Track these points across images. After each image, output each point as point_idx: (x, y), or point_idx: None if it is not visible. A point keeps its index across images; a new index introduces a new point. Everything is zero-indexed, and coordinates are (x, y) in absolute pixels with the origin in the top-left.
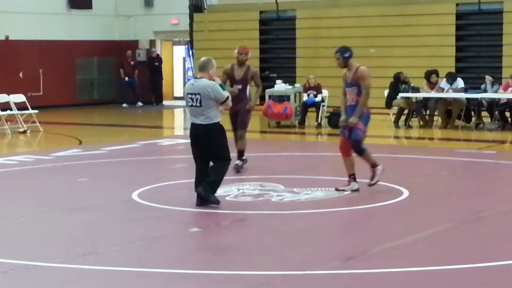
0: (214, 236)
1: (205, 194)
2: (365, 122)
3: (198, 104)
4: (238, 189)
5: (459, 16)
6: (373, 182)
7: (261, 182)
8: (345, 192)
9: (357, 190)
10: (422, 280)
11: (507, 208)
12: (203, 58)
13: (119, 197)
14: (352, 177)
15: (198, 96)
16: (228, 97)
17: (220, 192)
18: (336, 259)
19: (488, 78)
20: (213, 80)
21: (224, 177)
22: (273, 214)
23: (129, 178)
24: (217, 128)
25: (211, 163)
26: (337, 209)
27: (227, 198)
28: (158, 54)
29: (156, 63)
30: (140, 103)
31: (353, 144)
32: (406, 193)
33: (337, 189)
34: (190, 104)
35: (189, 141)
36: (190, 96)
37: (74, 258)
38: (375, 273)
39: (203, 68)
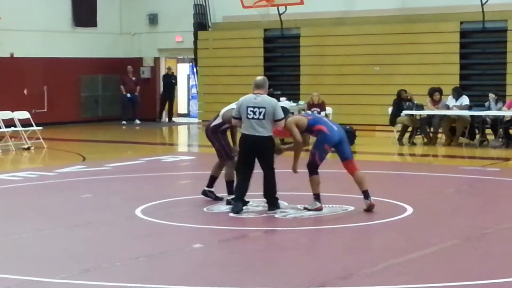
0: (217, 253)
1: (271, 207)
2: (315, 145)
3: (261, 117)
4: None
5: (463, 34)
6: (307, 206)
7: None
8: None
9: (370, 206)
10: None
11: (511, 226)
12: (260, 77)
13: (122, 213)
14: (364, 194)
15: (263, 110)
16: (283, 117)
17: (223, 208)
18: (340, 275)
19: (492, 96)
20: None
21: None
22: (276, 230)
23: (133, 194)
24: (271, 140)
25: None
26: (341, 226)
27: (231, 214)
28: (173, 72)
29: (173, 81)
30: (138, 121)
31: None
32: (410, 210)
33: (365, 211)
34: (251, 116)
35: (192, 157)
36: (252, 109)
37: (78, 274)
38: None
39: (261, 85)
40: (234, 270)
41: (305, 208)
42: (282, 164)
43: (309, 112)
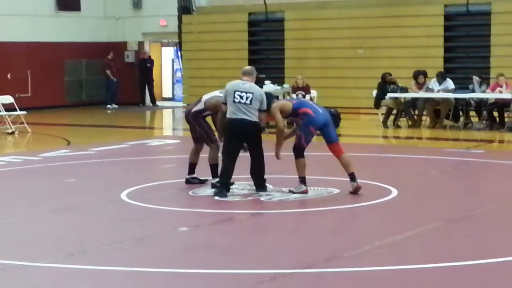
0: (203, 236)
1: (259, 189)
2: (302, 129)
3: (248, 102)
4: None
5: (447, 17)
6: (292, 189)
7: (250, 182)
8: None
9: (356, 188)
10: (411, 278)
11: (495, 207)
12: (248, 66)
13: (107, 197)
14: (350, 176)
15: (250, 95)
16: (267, 110)
17: (209, 191)
18: (325, 257)
19: (476, 79)
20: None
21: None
22: (262, 213)
23: (118, 178)
24: (258, 126)
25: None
26: (326, 208)
27: (216, 197)
28: (150, 56)
29: (148, 64)
30: (115, 105)
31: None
32: (395, 192)
33: (350, 192)
34: (237, 100)
35: (177, 141)
36: (239, 93)
37: (63, 258)
38: (364, 271)
39: (249, 73)
40: (220, 253)
41: (290, 191)
42: (267, 147)
43: (294, 96)
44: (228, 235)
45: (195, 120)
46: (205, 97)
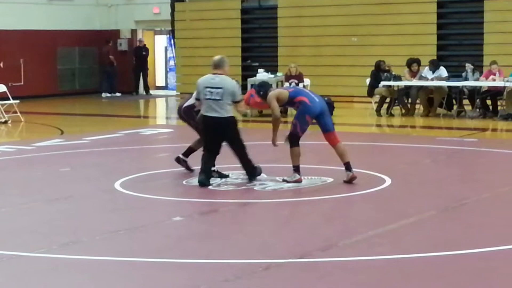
0: (197, 225)
1: (252, 177)
2: (297, 117)
3: (219, 98)
4: (221, 178)
5: (440, 4)
6: (286, 178)
7: (244, 172)
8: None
9: (351, 178)
10: (405, 267)
11: (489, 195)
12: (217, 57)
13: (101, 186)
14: (345, 166)
15: (220, 90)
16: (242, 99)
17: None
18: (319, 247)
19: (469, 66)
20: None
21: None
22: (256, 202)
23: (111, 167)
24: (233, 121)
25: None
26: (319, 197)
27: (210, 187)
28: (145, 44)
29: (143, 53)
30: (118, 93)
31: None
32: (388, 181)
33: (344, 181)
34: (208, 97)
35: (171, 130)
36: (209, 89)
37: (57, 248)
38: (358, 260)
39: (219, 65)
40: (213, 243)
41: (284, 180)
42: (260, 136)
43: (287, 84)
44: (221, 224)
45: (187, 115)
46: (195, 93)
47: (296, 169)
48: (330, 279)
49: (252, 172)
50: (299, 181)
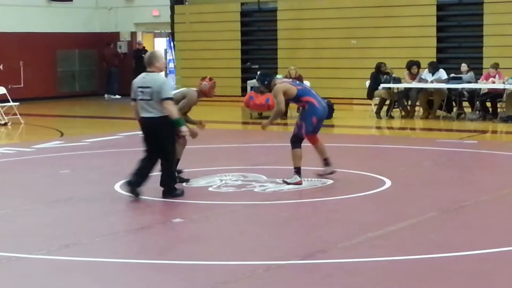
0: (197, 227)
1: (167, 194)
2: (302, 118)
3: (148, 98)
4: (221, 180)
5: (439, 7)
6: (286, 180)
7: (244, 173)
8: (327, 179)
9: (332, 172)
10: (405, 269)
11: (489, 197)
12: (148, 53)
13: (101, 188)
14: (325, 161)
15: (149, 89)
16: (172, 98)
17: (202, 183)
18: (319, 248)
19: (464, 66)
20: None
21: (206, 168)
22: (255, 204)
23: (111, 169)
24: (166, 121)
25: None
26: (320, 199)
27: (210, 189)
28: (144, 46)
29: (143, 55)
30: (118, 96)
31: (291, 137)
32: (388, 183)
33: (318, 174)
34: (140, 97)
35: None
36: (141, 89)
37: (57, 249)
38: (358, 262)
39: (150, 63)
40: (214, 244)
41: (284, 182)
42: (261, 139)
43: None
44: (222, 226)
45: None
46: (173, 92)
47: (297, 171)
48: (330, 280)
49: (168, 188)
50: (299, 183)
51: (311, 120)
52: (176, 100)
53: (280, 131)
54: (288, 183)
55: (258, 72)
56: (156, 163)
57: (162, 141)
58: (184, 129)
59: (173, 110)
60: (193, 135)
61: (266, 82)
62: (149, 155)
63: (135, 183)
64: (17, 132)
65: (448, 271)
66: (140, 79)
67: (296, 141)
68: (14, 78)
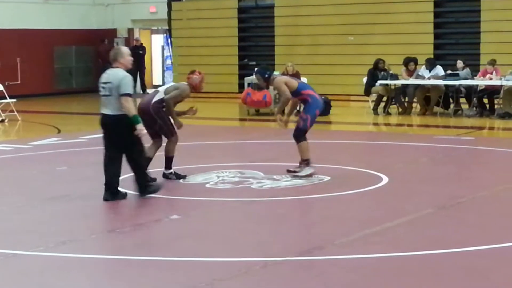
0: (194, 224)
1: (143, 193)
2: (306, 111)
3: (107, 93)
4: (218, 176)
5: (436, 3)
6: (293, 170)
7: (241, 170)
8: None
9: (311, 174)
10: (401, 265)
11: (486, 194)
12: (113, 49)
13: (98, 185)
14: (306, 162)
15: (109, 85)
16: (130, 94)
17: (199, 179)
18: (316, 245)
19: (459, 63)
20: (129, 69)
21: (204, 165)
22: (253, 201)
23: None
24: (121, 119)
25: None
26: (317, 196)
27: (207, 185)
28: (141, 43)
29: (140, 52)
30: None
31: (293, 132)
32: (385, 179)
33: (288, 170)
34: (102, 93)
35: None
36: (102, 84)
37: (54, 246)
38: (354, 258)
39: (114, 59)
40: (211, 241)
41: (295, 176)
42: (258, 135)
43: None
44: (219, 223)
45: (156, 112)
46: (163, 87)
47: (308, 162)
48: (327, 277)
49: (143, 187)
50: (311, 175)
51: (314, 113)
52: (168, 93)
53: (277, 128)
54: (300, 176)
55: (256, 68)
56: (120, 160)
57: (121, 140)
58: (140, 127)
59: (130, 107)
60: (179, 126)
61: (266, 76)
62: (110, 154)
63: (113, 191)
64: (14, 129)
65: (444, 267)
66: (104, 75)
67: (300, 135)
68: (11, 75)
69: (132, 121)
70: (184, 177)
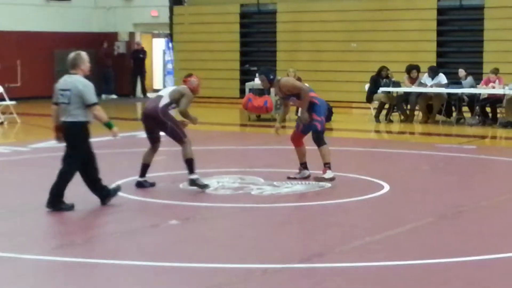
0: (193, 229)
1: (104, 200)
2: (320, 113)
3: (66, 101)
4: (218, 182)
5: (440, 11)
6: (293, 177)
7: (241, 175)
8: (297, 181)
9: (308, 177)
10: (402, 274)
11: (487, 203)
12: (72, 54)
13: None
14: (303, 165)
15: (67, 93)
16: (97, 102)
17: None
18: (317, 252)
19: (462, 72)
20: (87, 75)
21: (204, 170)
22: (253, 207)
23: (108, 170)
24: (75, 127)
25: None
26: (317, 203)
27: (207, 191)
28: (142, 47)
29: (141, 56)
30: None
31: (313, 136)
32: (387, 187)
33: (288, 177)
34: (60, 100)
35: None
36: (61, 92)
37: (51, 250)
38: (355, 267)
39: (74, 65)
40: (209, 247)
41: (319, 180)
42: (259, 141)
43: None
44: (218, 228)
45: (165, 116)
46: (165, 91)
47: (329, 166)
48: (327, 285)
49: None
50: (333, 178)
51: (325, 114)
52: (174, 99)
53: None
54: (325, 179)
55: (260, 69)
56: (88, 165)
57: (70, 145)
58: (115, 129)
59: (101, 115)
60: (195, 121)
61: (271, 77)
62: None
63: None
64: (14, 132)
65: (444, 277)
66: (62, 81)
67: (321, 137)
68: (11, 77)
69: (107, 127)
70: (153, 184)
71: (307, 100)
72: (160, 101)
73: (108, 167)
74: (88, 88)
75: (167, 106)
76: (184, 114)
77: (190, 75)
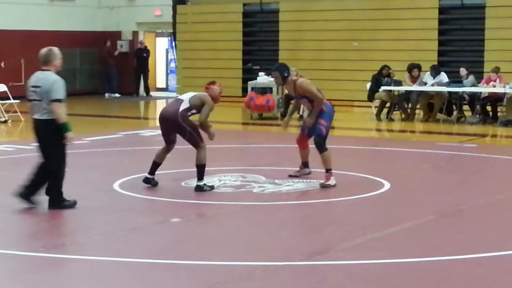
0: (195, 227)
1: (54, 205)
2: (327, 119)
3: (38, 98)
4: (220, 180)
5: (441, 10)
6: (294, 174)
7: (243, 173)
8: (298, 179)
9: (308, 174)
10: (402, 272)
11: (487, 201)
12: (44, 50)
13: (100, 187)
14: (304, 164)
15: (38, 89)
16: (61, 99)
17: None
18: (318, 250)
19: (463, 71)
20: (59, 71)
21: (205, 168)
22: (254, 205)
23: (111, 168)
24: (46, 124)
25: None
26: (318, 201)
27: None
28: (146, 46)
29: (144, 54)
30: (117, 94)
31: (315, 139)
32: (387, 185)
33: (290, 175)
34: (32, 97)
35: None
36: (32, 89)
37: (54, 247)
38: (356, 264)
39: (46, 61)
40: (211, 245)
41: (325, 186)
42: (261, 139)
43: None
44: (220, 226)
45: (185, 120)
46: (186, 96)
47: (331, 171)
48: (328, 282)
49: (55, 200)
50: (335, 185)
51: (331, 119)
52: (195, 105)
53: (280, 132)
54: (329, 186)
55: (276, 65)
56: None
57: (43, 145)
58: (71, 135)
59: (61, 113)
60: (212, 136)
61: (286, 75)
62: (41, 163)
63: (26, 192)
64: (17, 130)
65: (445, 274)
66: (34, 78)
67: (323, 142)
68: (15, 76)
69: (62, 128)
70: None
71: (318, 109)
72: (180, 105)
73: (110, 165)
74: (57, 85)
75: (187, 111)
76: (204, 126)
77: (213, 83)
